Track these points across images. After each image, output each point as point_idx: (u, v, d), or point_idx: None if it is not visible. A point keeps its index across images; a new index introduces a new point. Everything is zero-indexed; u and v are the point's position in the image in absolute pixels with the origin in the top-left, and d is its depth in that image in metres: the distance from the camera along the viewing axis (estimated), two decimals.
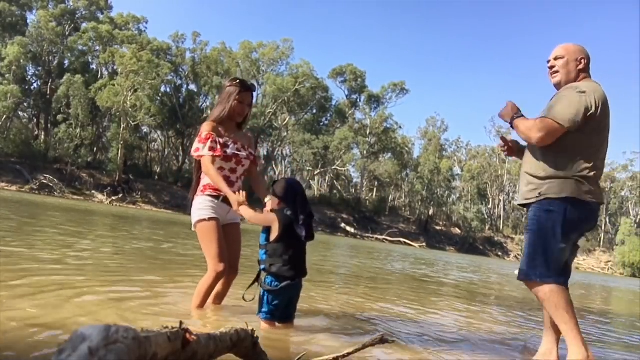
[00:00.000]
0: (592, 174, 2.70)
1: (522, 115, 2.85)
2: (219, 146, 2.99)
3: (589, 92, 2.67)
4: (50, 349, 1.94)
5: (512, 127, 2.85)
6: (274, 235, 2.81)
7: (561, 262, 2.74)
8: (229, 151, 3.04)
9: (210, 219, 2.98)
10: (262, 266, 2.83)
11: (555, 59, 2.86)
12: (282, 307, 2.82)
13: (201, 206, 3.01)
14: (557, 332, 2.86)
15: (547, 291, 2.70)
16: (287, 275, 2.77)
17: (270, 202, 2.92)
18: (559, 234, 2.69)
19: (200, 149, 2.97)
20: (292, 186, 2.93)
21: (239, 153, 3.08)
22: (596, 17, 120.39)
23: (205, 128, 3.02)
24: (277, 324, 2.83)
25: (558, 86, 2.86)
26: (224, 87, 3.16)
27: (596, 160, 2.72)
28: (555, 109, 2.68)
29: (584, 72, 2.82)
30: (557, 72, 2.85)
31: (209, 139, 2.98)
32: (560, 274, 2.73)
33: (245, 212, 2.86)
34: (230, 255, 3.07)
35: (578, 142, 2.68)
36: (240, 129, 3.22)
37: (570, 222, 2.70)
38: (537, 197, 2.76)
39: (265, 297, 2.80)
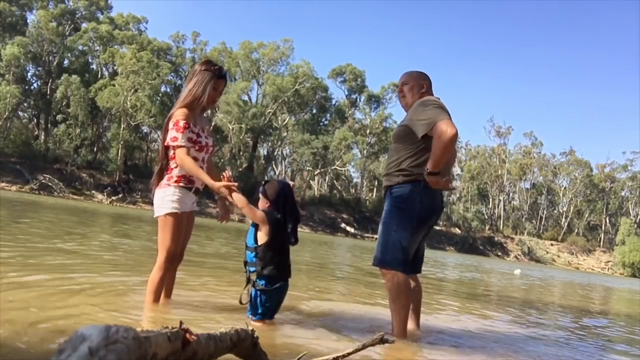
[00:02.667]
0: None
1: (427, 168, 2.96)
2: (195, 136, 2.94)
3: (437, 100, 3.08)
4: (50, 349, 1.94)
5: (438, 173, 2.95)
6: (263, 238, 2.85)
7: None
8: (202, 141, 3.00)
9: (181, 212, 2.94)
10: (252, 268, 2.86)
11: (403, 84, 3.28)
12: (272, 308, 2.91)
13: (174, 197, 2.91)
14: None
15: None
16: (277, 277, 2.85)
17: (260, 201, 2.96)
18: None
19: (179, 139, 2.86)
20: (284, 190, 2.94)
21: (207, 141, 3.05)
22: (595, 18, 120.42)
23: (182, 116, 2.90)
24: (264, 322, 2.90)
25: (406, 107, 3.25)
26: (198, 70, 3.01)
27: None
28: (426, 114, 2.95)
29: (426, 94, 3.21)
30: (404, 95, 3.26)
31: (186, 128, 2.89)
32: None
33: (239, 199, 2.83)
34: (182, 244, 3.08)
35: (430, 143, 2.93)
36: (202, 113, 3.15)
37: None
38: None
39: (259, 299, 2.85)
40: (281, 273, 2.87)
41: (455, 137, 2.82)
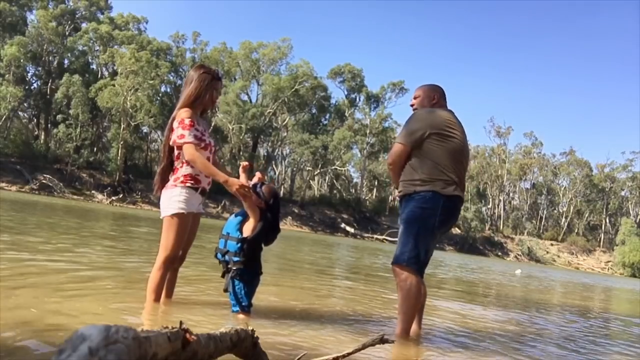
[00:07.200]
0: (452, 176, 3.10)
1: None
2: (199, 134, 2.95)
3: (423, 115, 3.17)
4: (50, 349, 1.94)
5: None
6: (252, 231, 2.94)
7: None
8: (206, 139, 3.01)
9: (188, 213, 2.95)
10: (237, 258, 2.91)
11: (415, 97, 3.40)
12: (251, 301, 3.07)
13: (181, 198, 2.92)
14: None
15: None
16: (258, 271, 3.03)
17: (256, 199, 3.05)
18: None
19: (187, 136, 2.87)
20: (277, 196, 3.12)
21: (211, 140, 3.08)
22: (595, 19, 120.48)
23: (187, 114, 2.92)
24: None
25: None
26: (197, 74, 3.03)
27: (452, 165, 3.11)
28: (404, 128, 3.19)
29: (437, 105, 3.32)
30: (416, 108, 3.36)
31: (192, 126, 2.90)
32: None
33: (250, 203, 2.96)
34: (186, 244, 3.10)
35: (431, 151, 3.09)
36: (202, 114, 3.18)
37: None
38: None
39: (244, 291, 2.95)
40: (259, 267, 3.04)
41: (391, 164, 3.17)
